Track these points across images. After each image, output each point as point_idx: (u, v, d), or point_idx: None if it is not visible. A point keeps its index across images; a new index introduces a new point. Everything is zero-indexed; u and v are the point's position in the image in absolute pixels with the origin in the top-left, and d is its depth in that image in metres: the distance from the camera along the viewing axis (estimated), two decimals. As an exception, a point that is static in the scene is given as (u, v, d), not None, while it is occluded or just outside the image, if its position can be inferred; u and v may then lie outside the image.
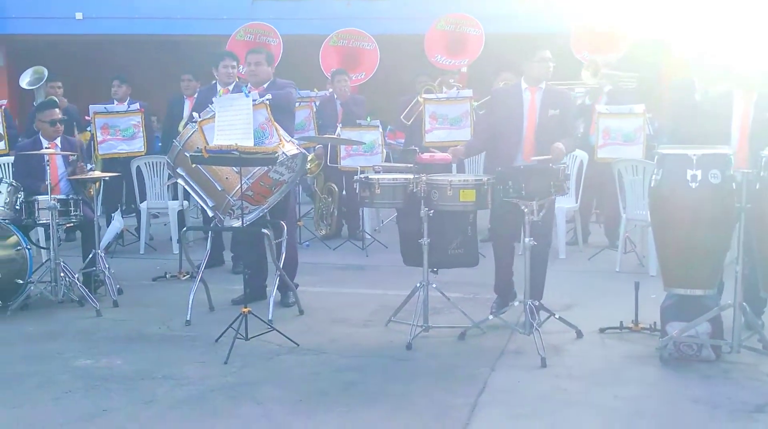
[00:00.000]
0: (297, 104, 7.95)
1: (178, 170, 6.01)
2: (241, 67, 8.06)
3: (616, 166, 7.81)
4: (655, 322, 5.44)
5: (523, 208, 5.28)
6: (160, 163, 8.86)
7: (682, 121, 7.22)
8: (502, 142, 5.88)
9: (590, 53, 9.50)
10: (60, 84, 10.03)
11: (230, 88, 7.62)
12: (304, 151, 6.21)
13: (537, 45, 5.90)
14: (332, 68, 10.08)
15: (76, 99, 10.20)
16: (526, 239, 5.34)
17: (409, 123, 9.40)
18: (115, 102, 9.24)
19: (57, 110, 7.28)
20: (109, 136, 8.67)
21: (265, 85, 6.49)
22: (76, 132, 9.13)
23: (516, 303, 5.62)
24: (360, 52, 10.57)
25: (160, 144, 9.98)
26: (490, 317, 5.68)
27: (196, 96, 8.30)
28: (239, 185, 5.58)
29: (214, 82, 8.03)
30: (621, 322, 5.67)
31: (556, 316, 5.61)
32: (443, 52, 10.25)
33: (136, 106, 8.92)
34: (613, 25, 9.54)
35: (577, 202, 8.52)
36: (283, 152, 5.77)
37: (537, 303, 5.55)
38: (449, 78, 9.71)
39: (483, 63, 9.89)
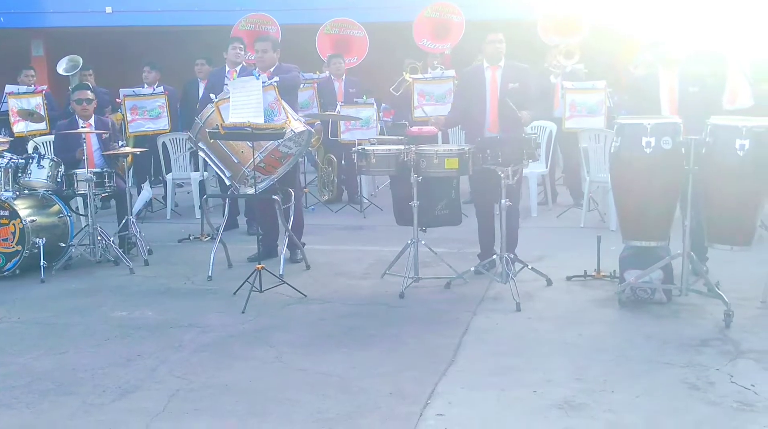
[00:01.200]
0: (302, 86, 7.92)
1: (200, 145, 6.01)
2: (248, 54, 8.01)
3: (581, 136, 7.79)
4: (614, 271, 5.46)
5: (499, 173, 5.28)
6: (183, 139, 8.84)
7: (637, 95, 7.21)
8: (472, 115, 5.87)
9: (555, 36, 9.41)
10: (91, 71, 9.90)
11: (237, 69, 7.62)
12: (309, 127, 6.19)
13: (491, 29, 5.86)
14: (328, 53, 9.99)
15: (107, 85, 10.09)
16: (503, 201, 5.34)
17: (398, 94, 9.40)
18: (145, 86, 9.14)
19: (88, 92, 7.20)
20: (137, 116, 8.60)
21: (272, 69, 6.45)
22: (109, 113, 9.04)
23: (494, 256, 5.63)
24: (351, 39, 10.43)
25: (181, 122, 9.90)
26: (472, 269, 5.71)
27: (208, 79, 8.25)
28: (253, 158, 5.58)
29: (223, 65, 7.99)
30: (585, 271, 5.70)
31: (529, 267, 5.63)
32: (429, 36, 10.14)
33: (161, 89, 8.84)
34: (575, 11, 9.44)
35: (546, 167, 8.52)
36: (291, 129, 5.76)
37: (512, 255, 5.56)
38: (433, 60, 9.66)
39: (464, 46, 9.80)
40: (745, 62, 7.20)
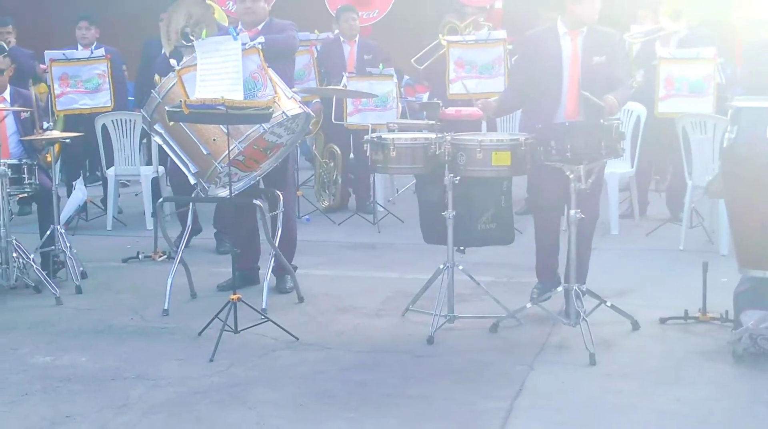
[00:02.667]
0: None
1: (156, 127, 6.00)
2: (231, 5, 8.03)
3: (680, 123, 7.77)
4: (726, 311, 5.44)
5: (568, 173, 5.28)
6: (131, 120, 8.89)
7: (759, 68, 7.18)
8: (540, 98, 5.84)
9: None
10: (10, 28, 9.94)
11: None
12: (307, 109, 6.19)
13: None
14: (339, 5, 10.05)
15: (33, 45, 10.13)
16: (572, 212, 5.33)
17: (422, 67, 9.37)
18: (80, 47, 9.18)
19: (1, 57, 7.26)
20: (69, 89, 8.67)
21: (260, 26, 6.49)
22: (30, 84, 9.13)
23: (559, 289, 5.62)
24: (372, -15, 10.55)
25: (131, 98, 9.94)
26: (528, 305, 5.69)
27: None
28: (228, 149, 5.56)
29: None
30: (686, 312, 5.67)
31: (608, 304, 5.60)
32: (473, -16, 10.19)
33: (101, 51, 8.89)
34: None
35: (633, 167, 8.50)
36: (283, 112, 5.77)
37: (584, 288, 5.55)
38: (479, 17, 9.64)
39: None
40: None
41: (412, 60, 9.41)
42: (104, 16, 9.72)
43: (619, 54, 5.93)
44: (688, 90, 7.98)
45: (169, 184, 8.51)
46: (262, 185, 6.35)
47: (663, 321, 5.68)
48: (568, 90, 5.77)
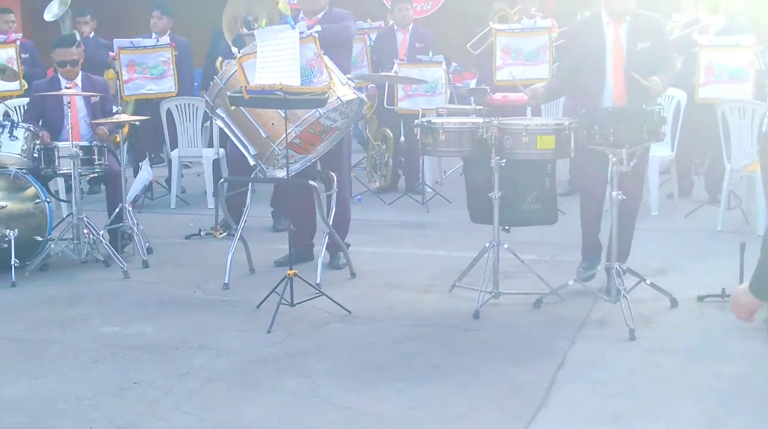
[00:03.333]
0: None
1: (218, 111, 6.05)
2: None
3: (720, 108, 7.67)
4: (763, 290, 5.37)
5: (610, 156, 5.24)
6: (194, 105, 8.96)
7: None
8: (585, 84, 5.78)
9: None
10: (88, 18, 9.99)
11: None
12: (361, 95, 6.21)
13: None
14: (393, -5, 10.03)
15: (113, 34, 10.14)
16: (614, 193, 5.30)
17: (477, 52, 9.32)
18: (154, 36, 9.26)
19: (72, 49, 7.32)
20: (136, 75, 8.75)
21: (320, 15, 6.51)
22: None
23: (600, 267, 5.60)
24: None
25: (197, 84, 10.01)
26: (571, 282, 5.67)
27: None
28: (285, 132, 5.61)
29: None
30: (723, 290, 5.60)
31: (647, 282, 5.57)
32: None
33: (166, 39, 8.97)
34: None
35: (673, 151, 8.41)
36: (338, 96, 5.78)
37: (625, 266, 5.52)
38: (530, 6, 9.55)
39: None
40: None
41: (468, 45, 9.34)
42: (180, 5, 9.70)
43: (663, 39, 5.86)
44: (727, 76, 7.87)
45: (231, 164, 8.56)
46: (318, 167, 6.38)
47: (701, 299, 5.62)
48: (613, 75, 5.70)
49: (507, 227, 5.88)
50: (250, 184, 6.64)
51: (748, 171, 7.40)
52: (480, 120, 5.58)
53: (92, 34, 9.92)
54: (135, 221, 6.89)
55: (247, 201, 6.72)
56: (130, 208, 6.96)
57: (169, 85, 8.83)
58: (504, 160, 5.47)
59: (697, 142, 9.05)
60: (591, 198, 5.90)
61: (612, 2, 5.68)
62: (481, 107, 5.87)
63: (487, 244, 5.69)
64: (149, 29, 9.43)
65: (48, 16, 9.86)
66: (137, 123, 7.17)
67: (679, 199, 8.67)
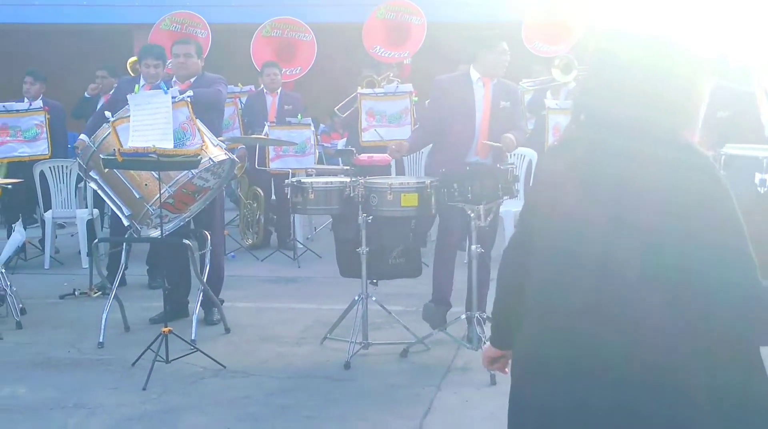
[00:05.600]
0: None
1: (92, 173, 5.96)
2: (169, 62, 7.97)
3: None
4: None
5: (469, 212, 5.36)
6: (67, 167, 8.78)
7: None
8: (453, 138, 5.92)
9: (542, 44, 9.62)
10: None
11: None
12: (232, 156, 6.20)
13: (495, 34, 5.97)
14: (264, 61, 10.08)
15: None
16: (473, 247, 5.41)
17: (344, 116, 9.42)
18: (25, 100, 9.05)
19: None
20: (8, 138, 8.51)
21: (193, 80, 6.50)
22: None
23: (463, 316, 5.68)
24: (296, 43, 10.53)
25: (70, 146, 9.79)
26: (435, 332, 5.74)
27: (112, 92, 8.20)
28: (159, 193, 5.55)
29: (127, 79, 7.96)
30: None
31: (506, 330, 5.67)
32: (383, 42, 10.28)
33: (39, 103, 8.77)
34: (567, 14, 9.60)
35: (526, 205, 8.62)
36: (209, 157, 5.76)
37: (484, 315, 5.61)
38: (388, 71, 9.75)
39: (427, 55, 9.95)
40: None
41: (335, 109, 9.45)
42: (51, 70, 9.53)
43: (518, 102, 6.10)
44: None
45: (106, 224, 8.40)
46: (192, 226, 6.31)
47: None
48: (480, 131, 5.87)
49: (375, 280, 5.92)
50: (125, 244, 6.53)
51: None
52: (347, 179, 5.63)
53: None
54: (8, 283, 6.66)
55: (122, 260, 6.60)
56: (3, 270, 6.72)
57: (42, 147, 8.60)
58: (370, 217, 5.53)
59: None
60: (448, 245, 6.01)
61: (487, 63, 5.88)
62: (348, 167, 5.91)
63: (356, 297, 5.72)
64: (22, 94, 9.20)
65: None
66: (9, 186, 6.94)
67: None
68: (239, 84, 9.98)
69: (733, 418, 1.89)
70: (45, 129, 8.59)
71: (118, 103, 6.46)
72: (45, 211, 8.93)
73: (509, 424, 2.20)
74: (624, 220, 1.91)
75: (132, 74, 8.55)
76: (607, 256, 1.93)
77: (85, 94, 9.91)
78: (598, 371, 1.96)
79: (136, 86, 7.00)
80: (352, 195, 5.54)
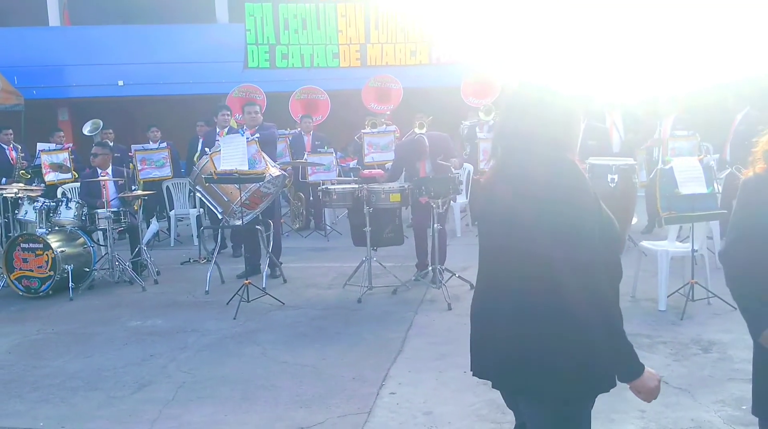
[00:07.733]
0: (278, 140, 7.87)
1: (197, 187, 5.94)
2: (237, 115, 7.98)
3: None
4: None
5: (432, 204, 5.35)
6: (183, 183, 8.73)
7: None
8: (414, 169, 5.91)
9: (474, 98, 9.58)
10: (111, 131, 9.81)
11: (225, 130, 7.58)
12: (284, 172, 6.17)
13: (424, 95, 5.95)
14: (299, 114, 10.02)
15: (122, 142, 9.97)
16: (435, 225, 5.41)
17: (361, 141, 9.40)
18: (150, 142, 9.02)
19: (98, 148, 7.10)
20: (146, 166, 8.45)
21: (257, 127, 6.44)
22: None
23: (429, 268, 5.68)
24: (316, 102, 10.50)
25: (183, 170, 9.77)
26: (413, 279, 5.74)
27: (204, 137, 8.22)
28: (239, 197, 5.53)
29: (213, 127, 7.99)
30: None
31: (456, 275, 5.68)
32: (375, 101, 10.27)
33: (164, 144, 8.73)
34: (491, 76, 9.59)
35: (467, 199, 8.62)
36: (270, 174, 5.74)
37: (443, 267, 5.61)
38: (381, 118, 9.74)
39: (402, 108, 9.92)
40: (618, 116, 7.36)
41: (356, 137, 9.38)
42: (167, 124, 9.50)
43: (450, 144, 6.00)
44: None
45: (207, 218, 8.35)
46: (260, 217, 6.28)
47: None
48: (428, 162, 5.85)
49: (375, 248, 5.89)
50: (220, 229, 6.50)
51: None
52: (357, 186, 5.63)
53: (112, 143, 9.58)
54: (148, 256, 6.63)
55: (218, 240, 6.58)
56: (145, 248, 6.70)
57: (167, 171, 8.53)
58: (371, 209, 5.51)
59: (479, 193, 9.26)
60: (421, 228, 5.99)
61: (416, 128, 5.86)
62: (357, 178, 5.88)
63: (364, 258, 5.70)
64: (148, 139, 9.21)
65: (85, 130, 9.52)
66: (146, 196, 6.91)
67: (472, 226, 8.89)
68: (288, 128, 9.90)
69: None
70: (169, 160, 8.54)
71: (207, 144, 6.46)
72: (170, 211, 8.88)
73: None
74: (520, 197, 1.87)
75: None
76: (510, 220, 1.90)
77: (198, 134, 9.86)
78: (505, 286, 1.93)
79: (222, 133, 6.99)
80: (359, 195, 5.52)
